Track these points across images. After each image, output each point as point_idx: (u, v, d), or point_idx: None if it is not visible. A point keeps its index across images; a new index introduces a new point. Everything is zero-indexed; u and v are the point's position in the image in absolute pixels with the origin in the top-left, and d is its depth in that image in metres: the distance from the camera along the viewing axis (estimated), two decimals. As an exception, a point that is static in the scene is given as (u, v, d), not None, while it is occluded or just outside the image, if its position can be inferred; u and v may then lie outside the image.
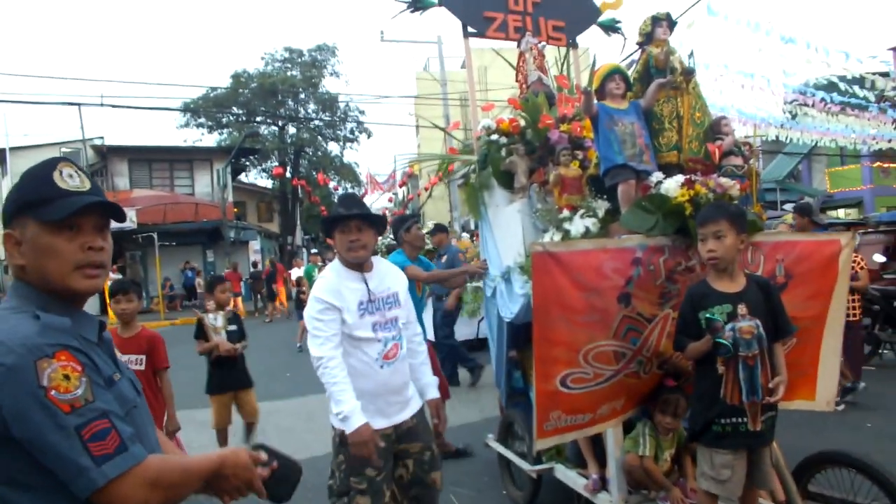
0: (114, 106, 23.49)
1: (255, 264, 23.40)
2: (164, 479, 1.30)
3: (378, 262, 3.11)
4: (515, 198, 4.00)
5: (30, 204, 1.37)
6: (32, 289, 1.38)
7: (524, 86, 4.81)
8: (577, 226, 3.33)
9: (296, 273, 17.65)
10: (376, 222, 3.03)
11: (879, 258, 9.94)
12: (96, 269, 1.42)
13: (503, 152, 4.18)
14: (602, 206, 3.44)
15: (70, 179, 1.40)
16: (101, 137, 25.74)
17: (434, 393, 3.16)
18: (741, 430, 2.76)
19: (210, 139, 32.54)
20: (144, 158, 25.52)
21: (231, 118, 31.67)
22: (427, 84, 21.95)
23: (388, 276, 3.08)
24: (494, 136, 4.28)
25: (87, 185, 1.43)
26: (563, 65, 5.55)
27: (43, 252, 1.36)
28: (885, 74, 18.23)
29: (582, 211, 3.43)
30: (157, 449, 1.46)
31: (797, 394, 3.48)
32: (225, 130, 32.49)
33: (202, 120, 31.93)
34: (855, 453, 3.25)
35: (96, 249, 1.41)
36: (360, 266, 2.93)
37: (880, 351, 8.19)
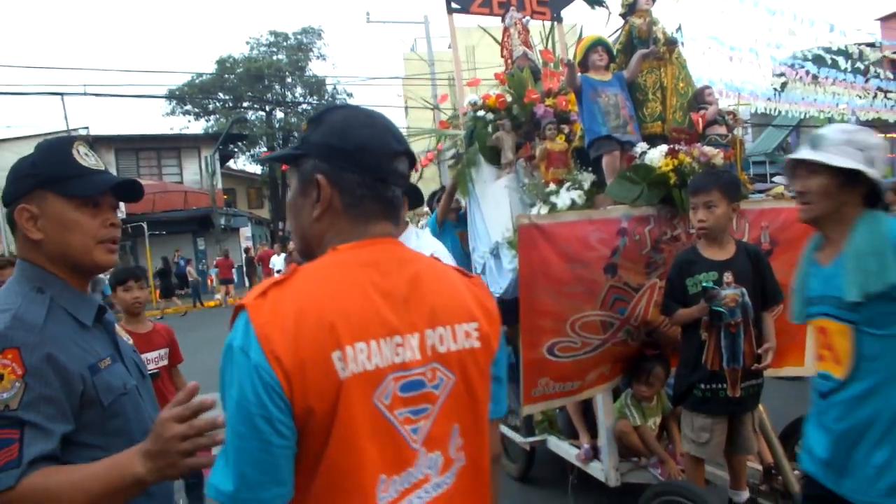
0: (97, 95, 23.22)
1: (247, 250, 23.33)
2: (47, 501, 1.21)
3: (408, 236, 2.69)
4: (502, 173, 4.00)
5: (53, 179, 1.38)
6: (36, 268, 1.40)
7: (510, 61, 4.79)
8: (564, 199, 3.35)
9: (277, 263, 17.26)
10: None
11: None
12: (115, 245, 1.48)
13: (490, 128, 4.17)
14: (587, 178, 3.46)
15: (87, 158, 1.44)
16: (86, 128, 25.47)
17: None
18: (720, 395, 2.82)
19: (197, 126, 32.28)
20: (131, 147, 25.29)
21: (217, 104, 31.38)
22: (415, 65, 21.78)
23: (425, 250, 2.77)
24: (481, 112, 4.27)
25: (103, 165, 1.48)
26: (548, 39, 5.52)
27: (68, 226, 1.39)
28: (871, 45, 18.25)
29: (568, 184, 3.45)
30: (139, 437, 1.40)
31: (786, 360, 3.53)
32: (212, 117, 32.22)
33: (188, 107, 31.64)
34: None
35: (116, 226, 1.47)
36: None
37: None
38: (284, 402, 0.94)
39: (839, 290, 1.85)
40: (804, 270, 2.05)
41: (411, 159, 1.19)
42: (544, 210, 3.42)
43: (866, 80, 17.78)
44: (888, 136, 27.29)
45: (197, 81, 30.48)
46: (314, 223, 1.14)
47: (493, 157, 4.10)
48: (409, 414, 1.04)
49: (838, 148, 1.85)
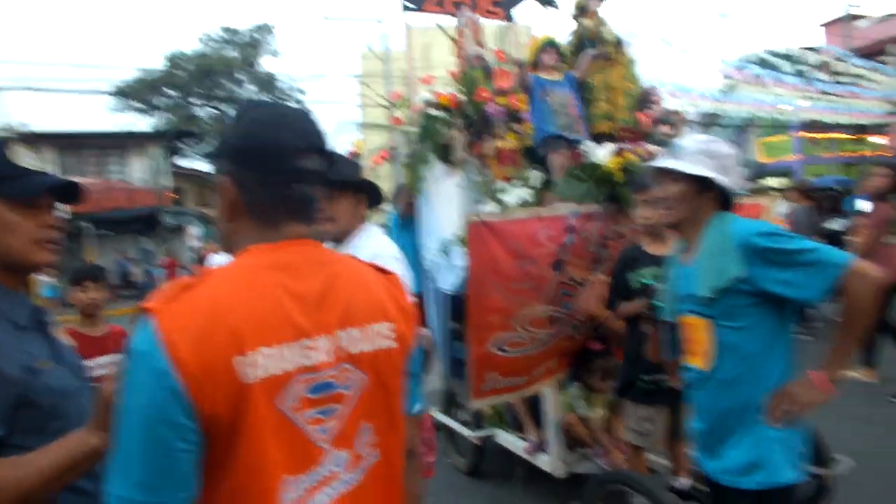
0: (38, 89, 22.29)
1: (192, 250, 22.77)
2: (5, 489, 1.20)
3: (357, 237, 2.39)
4: (454, 171, 4.03)
5: None
6: None
7: (463, 60, 4.82)
8: (513, 196, 3.40)
9: (217, 260, 16.66)
10: (355, 188, 2.36)
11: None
12: (54, 244, 1.45)
13: (442, 126, 4.20)
14: (537, 176, 3.51)
15: (24, 157, 1.41)
16: (26, 124, 24.51)
17: None
18: (663, 386, 2.90)
19: (143, 123, 31.38)
20: (75, 145, 24.41)
21: (166, 101, 30.56)
22: (372, 63, 21.64)
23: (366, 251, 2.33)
24: (433, 111, 4.29)
25: (40, 164, 1.45)
26: (500, 39, 5.57)
27: (4, 228, 1.36)
28: (814, 49, 18.96)
29: (518, 182, 3.50)
30: None
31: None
32: (160, 114, 31.36)
33: (135, 104, 30.71)
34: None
35: (54, 227, 1.44)
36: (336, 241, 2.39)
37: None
38: (189, 407, 0.93)
39: (696, 288, 1.97)
40: (670, 270, 2.18)
41: (326, 156, 1.17)
42: (494, 208, 3.47)
43: (809, 84, 18.48)
44: (828, 136, 28.44)
45: (146, 77, 29.64)
46: (225, 223, 1.14)
47: (445, 154, 4.12)
48: (317, 415, 1.05)
49: (694, 157, 1.98)
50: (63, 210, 1.55)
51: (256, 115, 1.13)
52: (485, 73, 4.54)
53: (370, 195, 2.45)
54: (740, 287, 1.85)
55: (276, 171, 1.10)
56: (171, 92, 30.41)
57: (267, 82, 31.84)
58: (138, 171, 25.01)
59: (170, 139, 21.69)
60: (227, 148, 1.13)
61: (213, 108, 31.65)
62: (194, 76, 30.09)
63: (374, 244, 2.35)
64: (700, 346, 2.02)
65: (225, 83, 31.99)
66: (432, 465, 2.65)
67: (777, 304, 1.86)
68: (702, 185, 1.97)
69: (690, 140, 2.07)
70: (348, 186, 2.32)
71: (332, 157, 2.24)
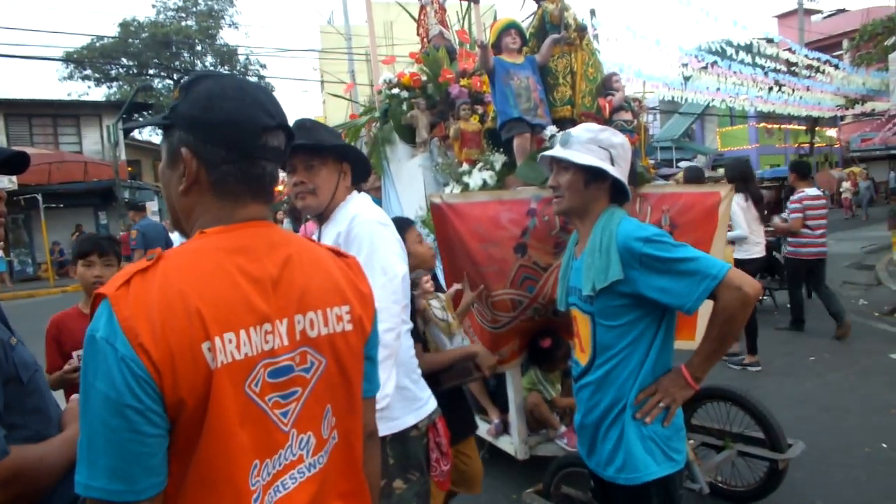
0: (-17, 55, 21.30)
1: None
2: (23, 476, 1.25)
3: (342, 208, 2.19)
4: (417, 152, 4.00)
5: None
6: None
7: (426, 39, 4.77)
8: (476, 179, 3.39)
9: (175, 240, 16.21)
10: (338, 155, 2.15)
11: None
12: None
13: (404, 106, 4.16)
14: (499, 159, 3.51)
15: None
16: (-30, 90, 23.42)
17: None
18: None
19: (98, 93, 30.31)
20: (23, 113, 23.41)
21: (121, 70, 29.55)
22: (332, 38, 21.27)
23: (337, 223, 2.18)
24: (396, 91, 4.24)
25: None
26: (464, 20, 5.53)
27: None
28: (769, 40, 19.37)
29: (480, 164, 3.49)
30: (54, 413, 1.45)
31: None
32: (114, 84, 30.32)
33: (88, 72, 29.61)
34: (730, 387, 3.55)
35: None
36: (319, 218, 2.23)
37: (761, 298, 8.88)
38: (156, 392, 0.92)
39: (580, 283, 2.00)
40: (565, 262, 2.19)
41: (288, 134, 1.15)
42: (457, 189, 3.46)
43: (765, 74, 18.89)
44: (781, 127, 29.17)
45: (97, 45, 28.57)
46: (181, 197, 1.11)
47: (408, 135, 4.09)
48: (278, 398, 1.05)
49: (584, 146, 1.98)
50: (9, 181, 1.49)
51: (214, 87, 1.09)
52: (448, 54, 4.51)
53: (355, 166, 2.22)
54: (619, 289, 1.87)
55: (243, 147, 1.07)
56: (126, 61, 29.42)
57: (226, 55, 31.07)
58: (92, 142, 24.19)
59: (125, 111, 20.91)
60: (188, 119, 1.08)
61: (171, 79, 30.76)
62: (151, 46, 29.15)
63: (354, 206, 2.14)
64: (582, 340, 2.05)
65: (184, 55, 31.12)
66: (448, 475, 2.46)
67: (655, 306, 1.88)
68: (591, 175, 1.97)
69: (582, 129, 2.05)
70: (330, 153, 2.12)
71: (307, 126, 2.12)
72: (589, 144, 1.97)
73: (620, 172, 1.99)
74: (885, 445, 4.12)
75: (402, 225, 2.58)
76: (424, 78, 4.26)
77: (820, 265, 7.01)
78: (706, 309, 1.91)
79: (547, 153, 2.10)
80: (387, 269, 2.05)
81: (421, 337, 2.68)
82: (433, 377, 2.61)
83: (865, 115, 25.51)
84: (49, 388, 1.48)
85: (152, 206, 24.55)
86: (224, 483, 0.97)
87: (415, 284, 2.76)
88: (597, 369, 1.97)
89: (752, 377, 5.56)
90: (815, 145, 29.95)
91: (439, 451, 2.37)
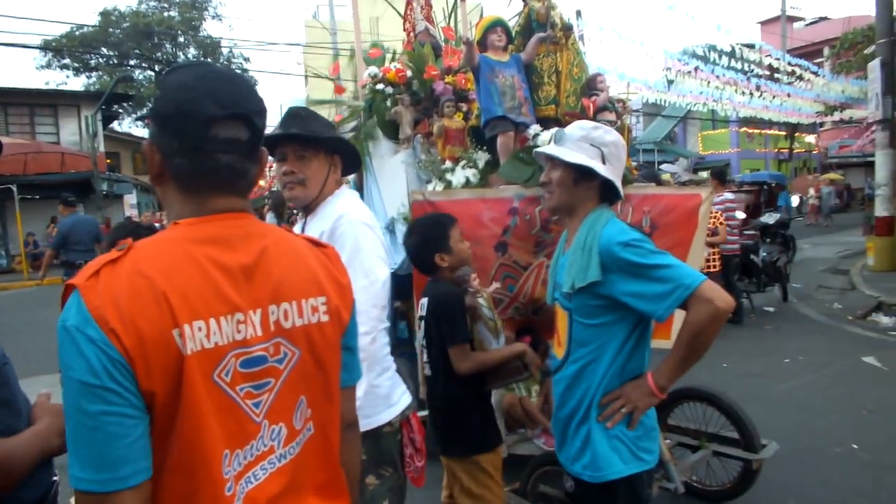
0: (-42, 40, 20.80)
1: (129, 219, 21.94)
2: None
3: (329, 202, 2.17)
4: (400, 148, 3.98)
5: None
6: None
7: (412, 35, 4.75)
8: (459, 176, 3.38)
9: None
10: (329, 148, 2.13)
11: (740, 215, 10.85)
12: None
13: (388, 102, 4.13)
14: (482, 157, 3.50)
15: None
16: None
17: None
18: None
19: (76, 83, 29.83)
20: (-1, 101, 23.03)
21: (101, 60, 29.11)
22: (317, 32, 21.13)
23: (323, 218, 2.16)
24: (380, 86, 4.21)
25: None
26: (450, 17, 5.52)
27: None
28: (750, 46, 19.61)
29: (463, 162, 3.48)
30: (24, 408, 1.44)
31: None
32: (94, 74, 29.86)
33: (67, 61, 29.12)
34: (706, 388, 3.58)
35: None
36: (306, 209, 2.19)
37: (739, 299, 9.00)
38: (132, 375, 0.92)
39: (562, 280, 2.01)
40: (555, 257, 2.20)
41: (251, 124, 1.10)
42: (440, 187, 3.44)
43: (747, 79, 19.12)
44: (762, 132, 29.53)
45: (77, 33, 28.11)
46: (156, 188, 1.12)
47: (391, 131, 4.06)
48: (250, 389, 1.05)
49: (576, 144, 1.97)
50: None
51: (179, 77, 1.08)
52: (434, 50, 4.49)
53: (345, 158, 2.20)
54: (596, 290, 1.87)
55: (191, 139, 1.05)
56: (106, 51, 29.00)
57: (210, 47, 30.76)
58: (69, 133, 23.79)
59: (105, 101, 20.59)
60: (152, 112, 1.10)
61: (153, 71, 30.37)
62: (132, 37, 28.76)
63: (342, 204, 2.11)
64: (560, 335, 2.06)
65: (166, 46, 30.77)
66: (422, 471, 2.39)
67: (629, 310, 1.87)
68: (581, 173, 1.96)
69: (575, 127, 2.04)
70: (321, 145, 2.09)
71: (300, 115, 2.09)
72: (581, 142, 1.97)
73: (612, 171, 1.97)
74: (856, 446, 4.19)
75: (446, 222, 2.59)
76: (409, 74, 4.24)
77: (734, 260, 8.08)
78: (681, 311, 1.91)
79: (539, 150, 2.10)
80: (369, 272, 2.03)
81: (469, 336, 2.63)
82: (478, 378, 2.57)
83: (844, 123, 25.94)
84: (18, 381, 1.45)
85: (130, 198, 24.28)
86: (199, 471, 0.97)
87: (463, 281, 2.74)
88: (571, 365, 1.98)
89: (728, 378, 5.61)
90: (795, 151, 30.41)
91: (413, 447, 2.36)
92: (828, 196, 24.25)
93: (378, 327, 2.10)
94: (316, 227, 2.09)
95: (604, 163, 1.96)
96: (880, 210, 11.02)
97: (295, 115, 2.10)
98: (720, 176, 8.57)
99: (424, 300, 2.60)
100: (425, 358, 2.63)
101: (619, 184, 1.99)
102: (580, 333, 1.95)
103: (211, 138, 1.06)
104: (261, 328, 1.06)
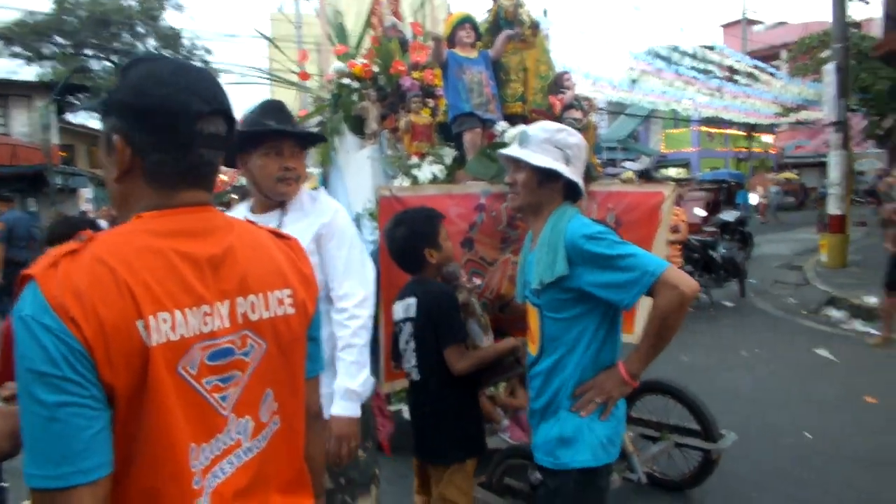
0: None
1: (83, 214, 21.29)
2: None
3: (301, 199, 2.22)
4: (366, 143, 3.96)
5: None
6: None
7: (379, 29, 4.72)
8: (425, 172, 3.38)
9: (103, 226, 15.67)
10: (313, 142, 2.32)
11: (700, 212, 11.10)
12: None
13: (355, 97, 4.11)
14: (449, 153, 3.51)
15: None
16: None
17: (339, 408, 2.12)
18: None
19: (28, 72, 28.79)
20: (-55, 90, 22.12)
21: (54, 49, 28.17)
22: (282, 26, 20.85)
23: (308, 218, 2.17)
24: (346, 80, 4.18)
25: None
26: (418, 12, 5.50)
27: None
28: (711, 48, 20.03)
29: (430, 158, 3.48)
30: None
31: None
32: (47, 63, 28.89)
33: (18, 49, 28.11)
34: (668, 381, 3.66)
35: None
36: (281, 204, 2.18)
37: (698, 295, 9.20)
38: (92, 366, 0.90)
39: (531, 277, 2.05)
40: (523, 256, 2.25)
41: (229, 119, 1.12)
42: (406, 182, 3.44)
43: (708, 80, 19.51)
44: (722, 131, 30.18)
45: (30, 21, 27.15)
46: (115, 183, 1.08)
47: (358, 126, 4.04)
48: (217, 382, 1.04)
49: (539, 146, 2.01)
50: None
51: (152, 70, 1.06)
52: (401, 46, 4.48)
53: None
54: (564, 284, 1.91)
55: (176, 134, 1.04)
56: (61, 40, 28.06)
57: (170, 38, 30.04)
58: (21, 124, 22.97)
59: (59, 92, 19.94)
60: (120, 104, 1.05)
61: (110, 61, 29.53)
62: (88, 25, 27.90)
63: (330, 199, 2.27)
64: (532, 331, 2.10)
65: (125, 36, 29.93)
66: (386, 437, 2.47)
67: (598, 302, 1.91)
68: (545, 175, 2.00)
69: (539, 129, 2.07)
70: (312, 143, 2.21)
71: (285, 111, 2.17)
72: (544, 144, 2.00)
73: (575, 172, 2.02)
74: (808, 435, 4.33)
75: (436, 217, 2.58)
76: (376, 69, 4.22)
77: None
78: (646, 302, 1.95)
79: (503, 152, 2.12)
80: (367, 262, 2.24)
81: (466, 335, 2.58)
82: (471, 379, 2.53)
83: (800, 124, 26.68)
84: None
85: (86, 192, 23.61)
86: (166, 465, 0.96)
87: (453, 278, 2.71)
88: (545, 359, 2.02)
89: (688, 371, 5.74)
90: (753, 150, 31.17)
91: (382, 415, 2.40)
92: (775, 195, 24.90)
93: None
94: (310, 221, 2.13)
95: (567, 164, 2.01)
96: (833, 209, 11.37)
97: (279, 111, 2.10)
98: (647, 175, 9.22)
99: (410, 301, 2.52)
100: (413, 363, 2.54)
101: (581, 183, 2.04)
102: (551, 328, 1.99)
103: (197, 134, 1.05)
104: (228, 320, 1.05)
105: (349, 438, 2.11)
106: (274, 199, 2.15)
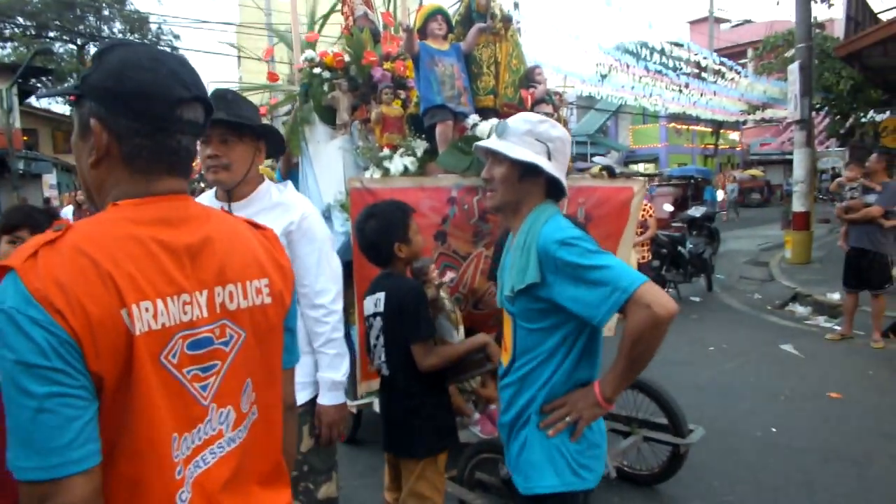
0: None
1: (47, 201, 20.75)
2: None
3: (266, 192, 2.18)
4: (337, 134, 3.90)
5: None
6: None
7: (350, 18, 4.65)
8: (397, 164, 3.34)
9: (66, 215, 15.33)
10: (256, 133, 2.12)
11: (668, 208, 11.25)
12: None
13: (326, 87, 4.04)
14: (421, 145, 3.47)
15: None
16: None
17: (327, 399, 2.25)
18: None
19: (-12, 54, 27.90)
20: None
21: (16, 30, 27.31)
22: (250, 12, 20.50)
23: (274, 212, 2.14)
24: (317, 70, 4.11)
25: None
26: (390, 2, 5.44)
27: None
28: (679, 45, 20.27)
29: (402, 150, 3.44)
30: None
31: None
32: (8, 44, 28.01)
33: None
34: (638, 376, 3.68)
35: None
36: (228, 194, 2.14)
37: (666, 289, 9.34)
38: (81, 357, 0.90)
39: (504, 282, 1.91)
40: (503, 257, 2.06)
41: (207, 106, 1.12)
42: (377, 174, 3.39)
43: (677, 76, 19.76)
44: (690, 127, 30.61)
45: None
46: (91, 170, 1.07)
47: (328, 116, 3.98)
48: (197, 371, 1.04)
49: (520, 139, 1.83)
50: None
51: (131, 55, 1.05)
52: (373, 36, 4.41)
53: (269, 143, 2.18)
54: (536, 292, 1.75)
55: (156, 119, 1.04)
56: (22, 20, 27.22)
57: (138, 23, 29.36)
58: (-20, 108, 22.22)
59: (21, 75, 19.31)
60: (98, 90, 1.04)
61: (75, 44, 28.74)
62: (52, 6, 27.11)
63: (301, 198, 2.24)
64: (506, 340, 1.96)
65: (90, 19, 29.16)
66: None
67: (571, 314, 1.73)
68: (527, 170, 1.82)
69: (520, 120, 1.88)
70: (249, 131, 2.07)
71: (227, 98, 2.10)
72: (526, 136, 1.82)
73: (557, 168, 1.84)
74: (774, 430, 4.42)
75: (407, 210, 2.53)
76: (347, 59, 4.15)
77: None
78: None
79: (481, 144, 1.95)
80: (335, 257, 2.28)
81: (434, 330, 2.53)
82: (439, 374, 2.49)
83: (765, 122, 27.21)
84: None
85: (50, 178, 22.99)
86: (149, 455, 0.96)
87: (423, 273, 2.66)
88: (516, 371, 1.86)
89: (656, 365, 5.80)
90: (720, 147, 31.70)
91: None
92: (731, 192, 25.36)
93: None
94: (280, 217, 2.11)
95: (549, 159, 1.83)
96: (797, 206, 11.60)
97: (221, 98, 2.05)
98: (609, 170, 9.40)
99: (380, 295, 2.48)
100: (382, 358, 2.51)
101: (564, 180, 1.87)
102: (524, 338, 1.83)
103: (176, 119, 1.06)
104: (206, 309, 1.05)
105: (338, 423, 2.28)
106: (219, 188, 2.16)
